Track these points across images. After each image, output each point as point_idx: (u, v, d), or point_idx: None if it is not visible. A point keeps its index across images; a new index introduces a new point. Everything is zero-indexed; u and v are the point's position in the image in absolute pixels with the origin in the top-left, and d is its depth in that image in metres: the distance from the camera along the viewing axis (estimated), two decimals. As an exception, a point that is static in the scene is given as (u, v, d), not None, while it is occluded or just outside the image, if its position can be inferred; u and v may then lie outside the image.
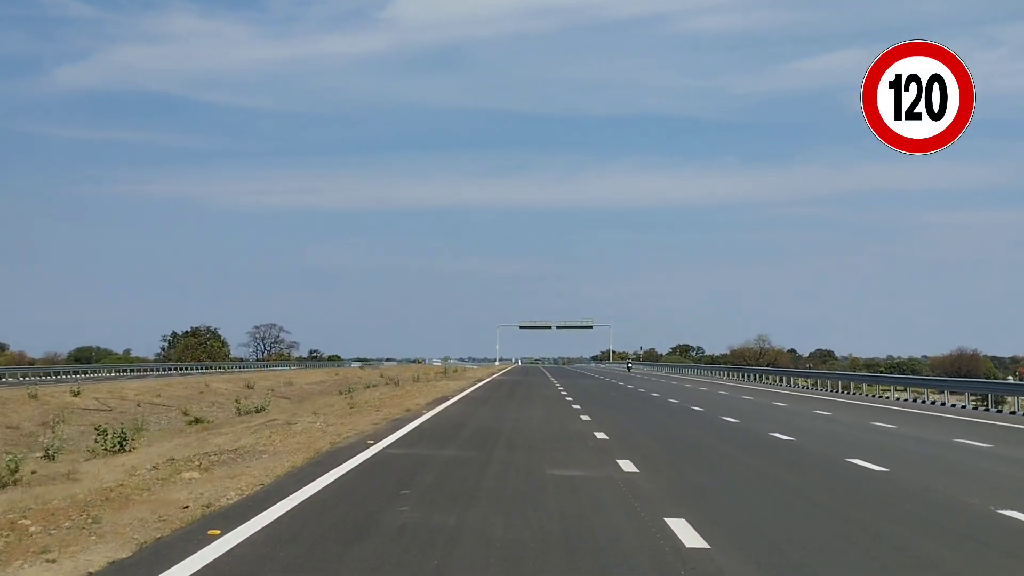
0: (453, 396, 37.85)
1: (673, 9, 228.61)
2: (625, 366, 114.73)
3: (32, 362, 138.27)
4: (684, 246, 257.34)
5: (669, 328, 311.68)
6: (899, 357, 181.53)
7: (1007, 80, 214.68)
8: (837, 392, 48.26)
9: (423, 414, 26.50)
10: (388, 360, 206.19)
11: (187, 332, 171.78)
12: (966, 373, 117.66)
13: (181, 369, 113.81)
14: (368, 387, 62.31)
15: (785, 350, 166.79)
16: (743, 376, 73.90)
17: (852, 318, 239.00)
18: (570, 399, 37.04)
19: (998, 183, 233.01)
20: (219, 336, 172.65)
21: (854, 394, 46.44)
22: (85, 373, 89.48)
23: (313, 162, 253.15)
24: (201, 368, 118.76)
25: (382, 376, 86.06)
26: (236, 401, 53.48)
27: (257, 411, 37.56)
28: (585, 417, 26.21)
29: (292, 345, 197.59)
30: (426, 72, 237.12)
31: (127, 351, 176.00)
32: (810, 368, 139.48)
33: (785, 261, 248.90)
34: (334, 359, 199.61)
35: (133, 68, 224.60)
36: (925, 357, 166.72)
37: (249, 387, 63.93)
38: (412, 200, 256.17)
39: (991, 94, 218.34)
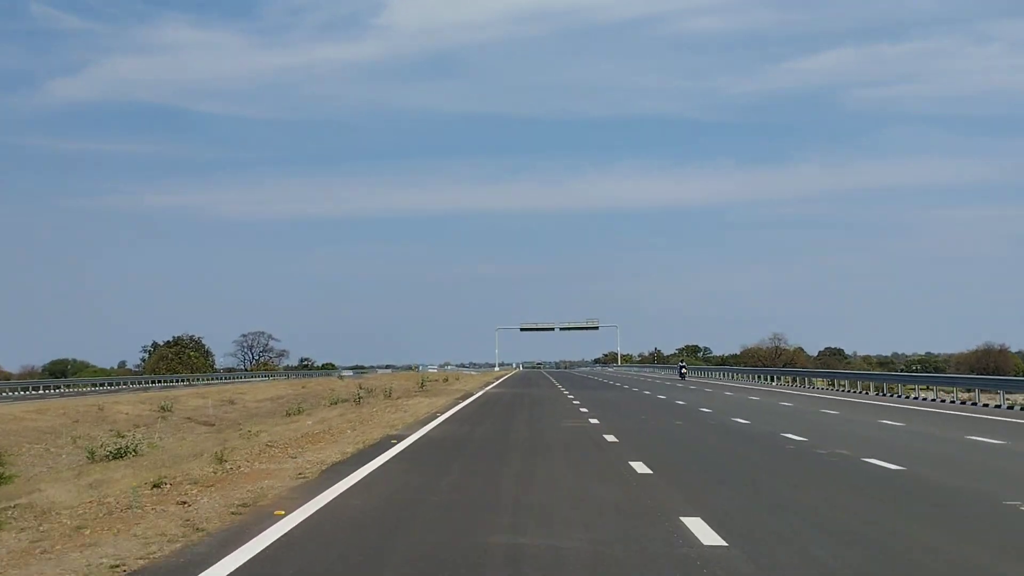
0: (406, 436, 21.09)
1: (666, 11, 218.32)
2: (678, 371, 79.77)
3: (8, 376, 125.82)
4: (684, 247, 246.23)
5: (672, 328, 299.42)
6: (904, 354, 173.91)
7: (1002, 76, 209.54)
8: (880, 394, 42.60)
9: (275, 520, 9.76)
10: (387, 367, 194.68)
11: (168, 342, 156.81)
12: (994, 370, 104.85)
13: (154, 382, 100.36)
14: (335, 403, 45.96)
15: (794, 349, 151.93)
16: (765, 378, 65.91)
17: (854, 316, 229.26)
18: (612, 438, 20.21)
19: (994, 179, 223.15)
20: (202, 345, 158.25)
21: (912, 397, 39.56)
22: (44, 388, 73.65)
23: (310, 170, 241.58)
24: (177, 380, 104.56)
25: (360, 387, 70.19)
26: (118, 435, 36.96)
27: (115, 456, 23.60)
28: (709, 537, 9.32)
29: (282, 353, 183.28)
30: (422, 78, 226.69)
31: (122, 363, 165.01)
32: (905, 370, 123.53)
33: (784, 260, 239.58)
34: (328, 367, 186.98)
35: (127, 80, 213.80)
36: (929, 353, 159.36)
37: (165, 409, 47.24)
38: (410, 206, 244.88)
39: (986, 90, 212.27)
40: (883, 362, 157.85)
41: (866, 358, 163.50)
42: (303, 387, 76.94)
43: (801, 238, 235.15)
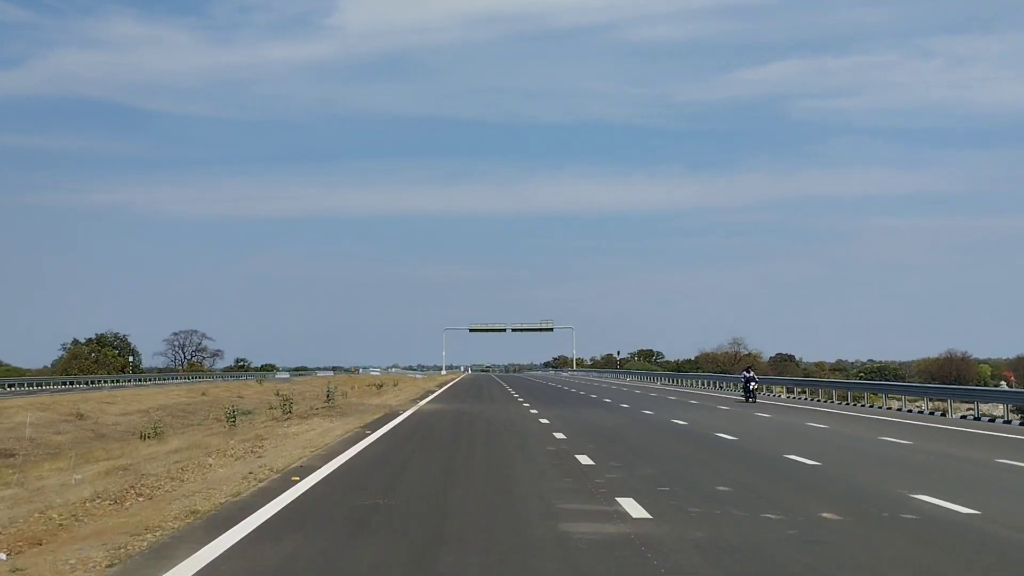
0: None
1: (618, 18, 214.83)
2: (743, 383, 44.22)
3: None
4: (633, 251, 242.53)
5: (622, 333, 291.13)
6: (848, 360, 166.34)
7: (942, 90, 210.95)
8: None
9: None
10: (333, 369, 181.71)
11: (91, 339, 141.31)
12: (956, 378, 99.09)
13: (67, 383, 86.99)
14: (230, 417, 31.32)
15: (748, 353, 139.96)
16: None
17: (799, 322, 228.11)
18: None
19: (935, 190, 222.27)
20: (128, 343, 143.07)
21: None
22: None
23: (259, 170, 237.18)
24: (84, 382, 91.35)
25: (277, 395, 55.57)
26: None
27: None
28: None
29: (216, 353, 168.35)
30: (373, 80, 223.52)
31: (56, 362, 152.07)
32: (865, 377, 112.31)
33: (732, 266, 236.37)
34: (267, 368, 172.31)
35: (72, 74, 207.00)
36: (871, 361, 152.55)
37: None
38: (360, 208, 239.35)
39: (926, 104, 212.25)
40: (835, 368, 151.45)
41: (819, 364, 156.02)
42: (203, 394, 61.74)
43: (748, 244, 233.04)
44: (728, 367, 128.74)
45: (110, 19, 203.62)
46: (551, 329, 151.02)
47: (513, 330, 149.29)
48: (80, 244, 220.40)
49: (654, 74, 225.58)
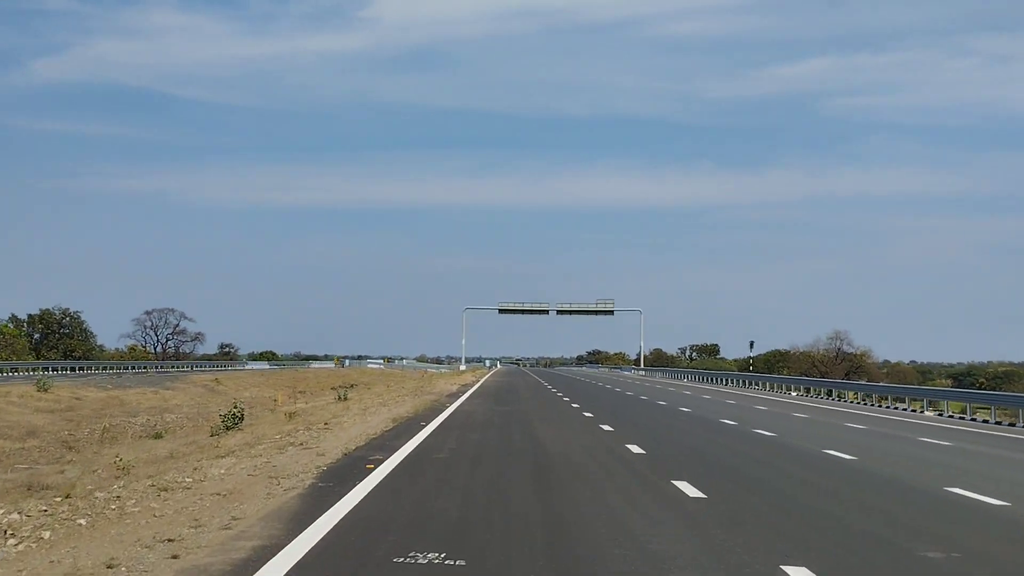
0: None
1: (651, 13, 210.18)
2: None
3: None
4: (668, 247, 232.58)
5: (661, 328, 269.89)
6: (889, 360, 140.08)
7: (979, 90, 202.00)
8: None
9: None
10: (360, 358, 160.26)
11: (32, 316, 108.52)
12: None
13: None
14: None
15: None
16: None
17: (838, 321, 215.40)
18: None
19: (967, 190, 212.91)
20: (80, 320, 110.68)
21: None
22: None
23: (291, 159, 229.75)
24: None
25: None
26: None
27: None
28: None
29: (196, 337, 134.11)
30: (406, 72, 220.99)
31: None
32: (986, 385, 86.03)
33: (761, 264, 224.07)
34: (267, 356, 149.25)
35: (111, 62, 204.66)
36: (913, 362, 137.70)
37: None
38: (390, 199, 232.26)
39: (962, 103, 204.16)
40: (921, 370, 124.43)
41: (896, 365, 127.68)
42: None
43: (779, 242, 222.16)
44: (829, 369, 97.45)
45: (149, 9, 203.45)
46: (611, 312, 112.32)
47: (559, 312, 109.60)
48: (107, 230, 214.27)
49: (685, 70, 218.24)
